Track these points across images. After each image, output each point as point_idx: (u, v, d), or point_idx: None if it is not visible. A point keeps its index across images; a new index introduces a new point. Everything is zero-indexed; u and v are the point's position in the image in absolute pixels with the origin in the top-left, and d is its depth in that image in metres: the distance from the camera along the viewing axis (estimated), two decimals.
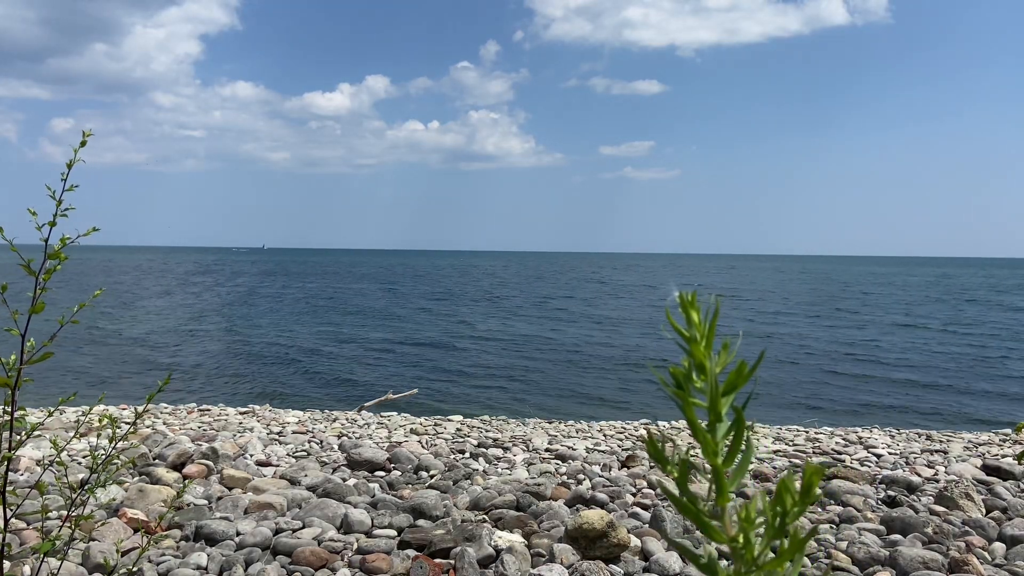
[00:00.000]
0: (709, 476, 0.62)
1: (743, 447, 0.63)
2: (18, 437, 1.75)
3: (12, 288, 1.74)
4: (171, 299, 37.97)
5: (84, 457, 5.64)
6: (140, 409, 2.05)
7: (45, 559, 1.88)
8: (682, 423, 9.38)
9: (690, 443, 6.28)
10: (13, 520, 1.83)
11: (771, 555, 0.64)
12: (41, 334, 1.73)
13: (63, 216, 1.72)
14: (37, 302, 1.68)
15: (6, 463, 1.73)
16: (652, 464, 6.18)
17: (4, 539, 1.75)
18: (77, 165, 1.71)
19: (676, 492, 0.61)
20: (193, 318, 28.57)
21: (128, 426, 1.96)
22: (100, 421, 1.98)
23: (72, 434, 6.56)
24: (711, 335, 0.63)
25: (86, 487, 1.95)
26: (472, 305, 37.32)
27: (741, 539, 0.64)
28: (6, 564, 1.76)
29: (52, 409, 1.97)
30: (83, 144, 1.74)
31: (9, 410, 1.72)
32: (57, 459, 1.90)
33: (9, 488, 1.79)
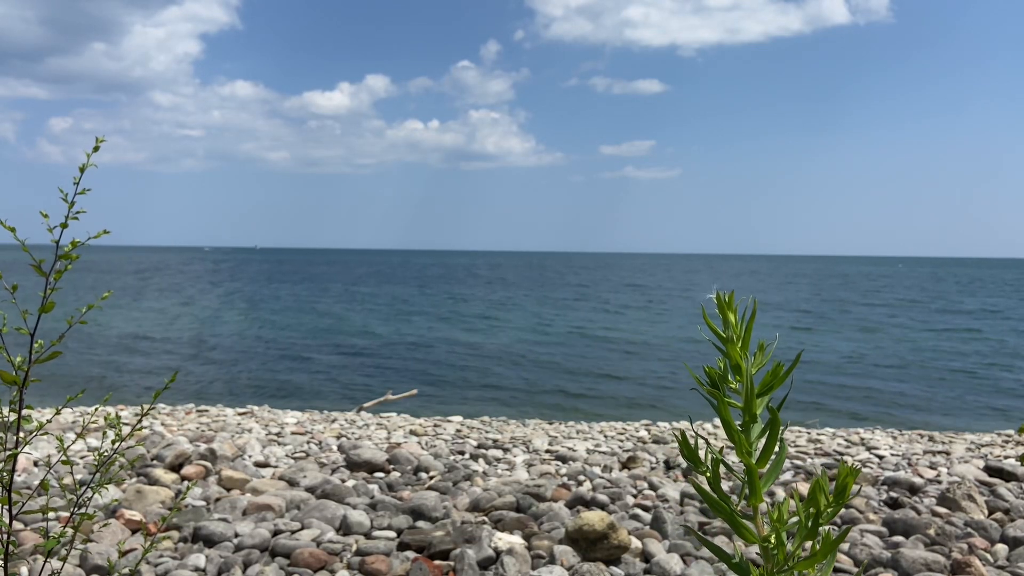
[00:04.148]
0: (743, 477, 0.61)
1: (776, 448, 0.62)
2: (23, 435, 1.74)
3: (14, 287, 1.73)
4: (163, 298, 37.88)
5: (82, 458, 5.61)
6: (146, 408, 2.03)
7: (46, 560, 1.85)
8: (683, 424, 9.37)
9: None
10: (3, 519, 1.82)
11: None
12: (40, 334, 1.72)
13: (74, 219, 1.71)
14: (47, 302, 1.67)
15: (12, 461, 1.72)
16: (653, 465, 6.15)
17: (8, 538, 1.73)
18: (90, 168, 1.71)
19: (709, 490, 0.60)
20: (186, 318, 28.50)
21: (131, 427, 1.94)
22: (106, 419, 1.96)
23: (70, 435, 6.53)
24: (747, 336, 0.62)
25: (90, 487, 1.94)
26: (472, 305, 37.28)
27: (773, 539, 0.62)
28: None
29: (60, 408, 1.95)
30: (96, 149, 1.73)
31: (15, 409, 1.71)
32: (63, 459, 1.88)
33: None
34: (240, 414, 9.03)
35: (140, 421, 1.89)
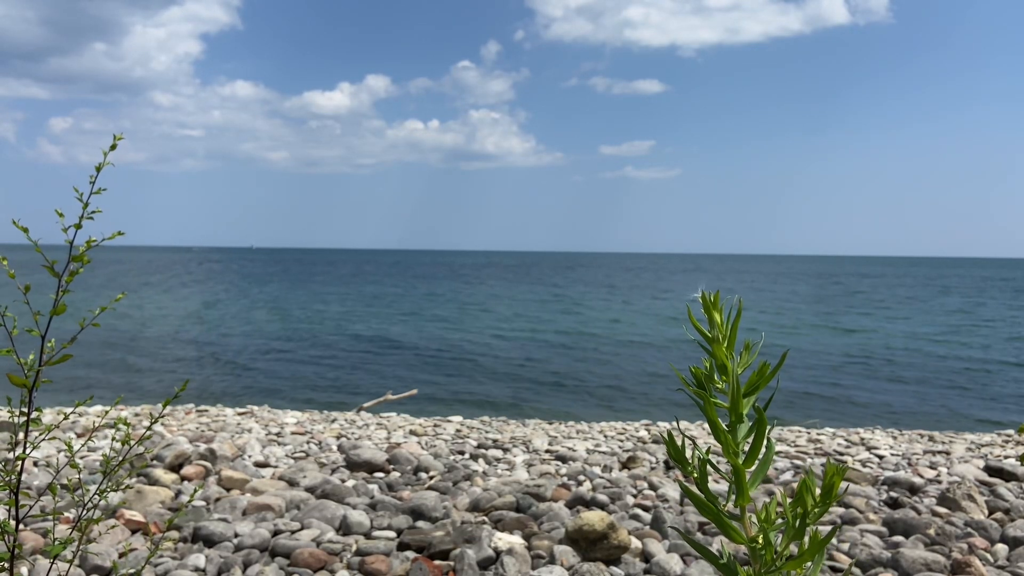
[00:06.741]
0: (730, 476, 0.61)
1: (764, 448, 0.62)
2: (32, 437, 1.75)
3: (27, 288, 1.73)
4: (159, 297, 37.87)
5: (82, 458, 5.62)
6: (158, 415, 2.04)
7: (52, 562, 1.86)
8: (683, 425, 9.36)
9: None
10: (10, 521, 1.82)
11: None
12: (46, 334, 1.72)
13: (89, 219, 1.72)
14: (59, 304, 1.68)
15: (21, 463, 1.72)
16: (653, 465, 6.15)
17: (16, 540, 1.73)
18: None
19: (696, 491, 0.60)
20: (185, 317, 28.49)
21: (147, 429, 1.96)
22: (115, 425, 1.96)
23: (70, 435, 6.53)
24: (733, 336, 0.62)
25: (98, 491, 1.94)
26: (472, 305, 37.29)
27: (760, 540, 0.62)
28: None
29: (68, 412, 1.96)
30: (113, 147, 1.73)
31: (25, 411, 1.71)
32: (71, 463, 1.89)
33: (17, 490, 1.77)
34: (240, 414, 9.04)
35: (152, 426, 1.90)
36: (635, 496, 5.11)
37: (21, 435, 1.73)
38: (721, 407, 0.58)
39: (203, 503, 4.73)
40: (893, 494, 5.07)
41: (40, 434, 1.74)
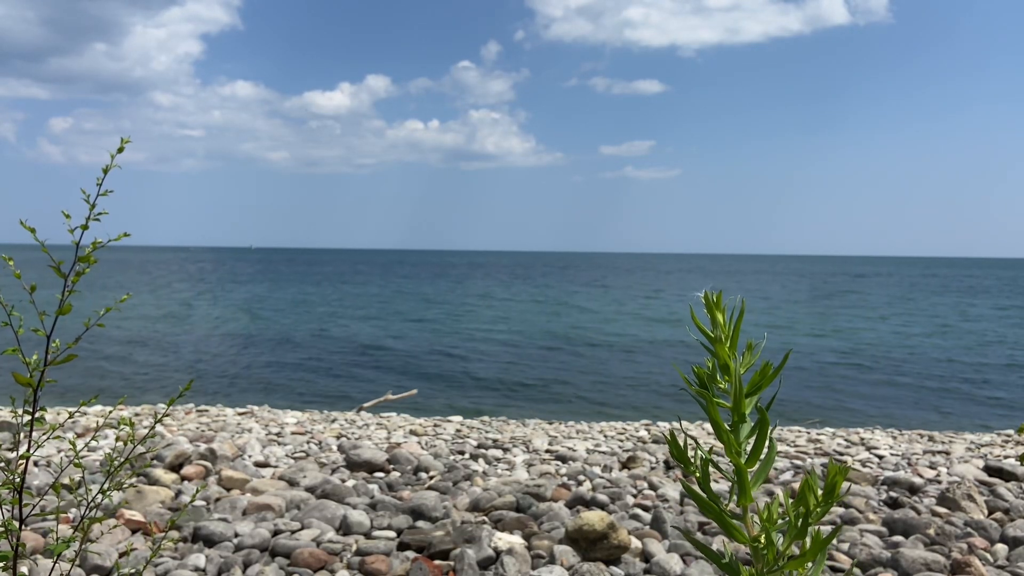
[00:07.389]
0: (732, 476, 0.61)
1: (766, 447, 0.62)
2: (35, 437, 1.75)
3: (32, 288, 1.74)
4: (158, 297, 37.82)
5: (81, 458, 5.62)
6: (160, 415, 2.05)
7: (55, 562, 1.86)
8: (683, 424, 9.37)
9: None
10: (14, 521, 1.83)
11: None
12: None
13: (96, 220, 1.73)
14: (65, 304, 1.68)
15: (26, 462, 1.73)
16: (653, 465, 6.16)
17: (18, 539, 1.74)
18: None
19: (699, 491, 0.60)
20: (186, 317, 28.46)
21: (148, 429, 1.97)
22: (119, 425, 1.96)
23: (69, 435, 6.53)
24: (736, 336, 0.62)
25: (101, 490, 1.95)
26: (471, 305, 37.29)
27: (763, 539, 0.62)
28: None
29: (73, 411, 1.96)
30: (120, 150, 1.75)
31: (30, 410, 1.71)
32: (75, 462, 1.90)
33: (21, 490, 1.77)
34: (240, 414, 9.04)
35: (155, 425, 1.90)
36: (635, 496, 5.12)
37: (23, 434, 1.74)
38: (723, 407, 0.59)
39: (203, 503, 4.73)
40: (893, 494, 5.07)
41: (44, 433, 1.75)
